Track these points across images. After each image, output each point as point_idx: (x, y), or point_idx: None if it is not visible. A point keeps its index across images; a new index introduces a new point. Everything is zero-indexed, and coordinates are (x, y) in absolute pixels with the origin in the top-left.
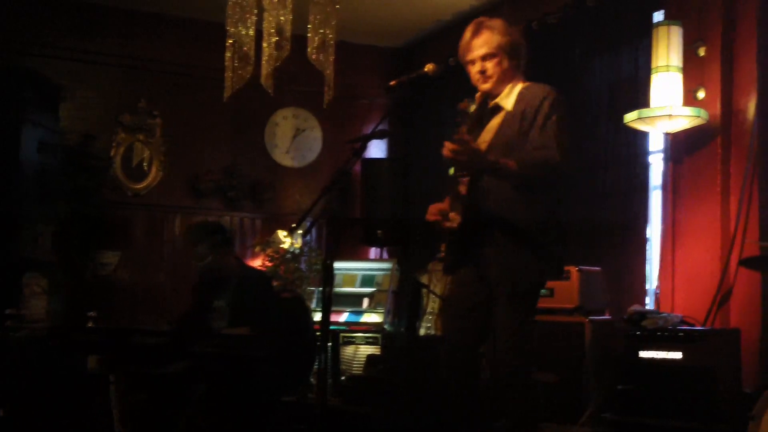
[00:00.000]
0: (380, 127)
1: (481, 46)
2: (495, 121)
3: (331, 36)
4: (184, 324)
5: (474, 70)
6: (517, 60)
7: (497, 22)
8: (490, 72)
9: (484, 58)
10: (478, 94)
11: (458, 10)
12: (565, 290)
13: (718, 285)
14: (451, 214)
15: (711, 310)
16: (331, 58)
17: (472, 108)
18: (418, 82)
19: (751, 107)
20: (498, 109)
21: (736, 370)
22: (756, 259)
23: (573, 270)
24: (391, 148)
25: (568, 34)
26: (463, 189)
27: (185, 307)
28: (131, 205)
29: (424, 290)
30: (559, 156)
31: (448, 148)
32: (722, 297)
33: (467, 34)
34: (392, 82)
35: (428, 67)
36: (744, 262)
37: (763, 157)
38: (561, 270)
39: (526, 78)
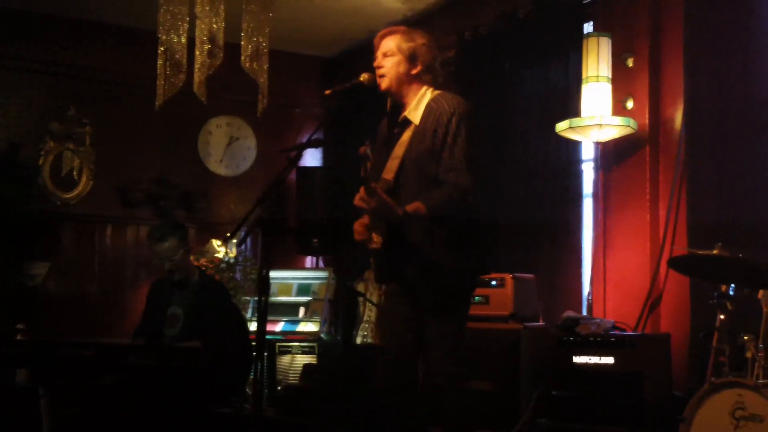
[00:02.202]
0: (315, 136)
1: (384, 44)
2: (406, 135)
3: (264, 44)
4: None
5: (375, 65)
6: (420, 68)
7: (412, 31)
8: (384, 70)
9: (384, 55)
10: (389, 100)
11: (391, 20)
12: (499, 298)
13: (649, 290)
14: (373, 235)
15: (642, 316)
16: (265, 67)
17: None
18: (352, 91)
19: (678, 116)
20: (408, 122)
21: (666, 374)
22: (683, 259)
23: (507, 277)
24: (326, 157)
25: (500, 44)
26: None
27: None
28: (61, 215)
29: (360, 298)
30: (470, 176)
31: (359, 197)
32: (652, 302)
33: (378, 36)
34: (327, 91)
35: (363, 77)
36: (672, 263)
37: (690, 165)
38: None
39: (439, 86)
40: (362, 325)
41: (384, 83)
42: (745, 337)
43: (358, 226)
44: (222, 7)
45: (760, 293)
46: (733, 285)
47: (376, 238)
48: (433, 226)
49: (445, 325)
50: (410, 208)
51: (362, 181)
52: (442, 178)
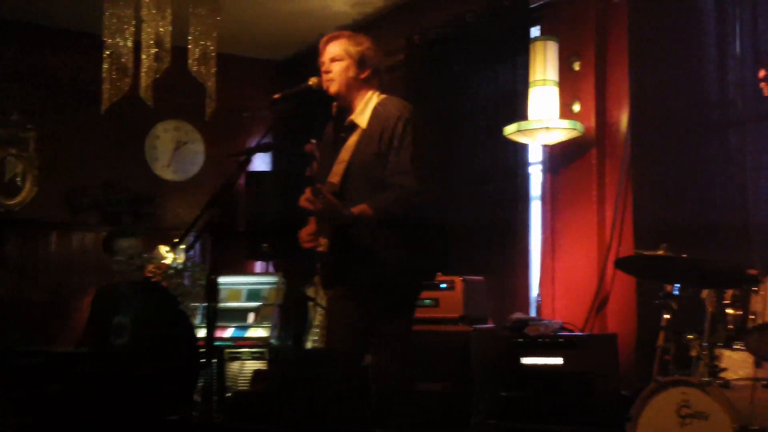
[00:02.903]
0: (264, 140)
1: (332, 49)
2: (352, 139)
3: (212, 48)
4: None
5: (322, 70)
6: (368, 73)
7: (359, 36)
8: (333, 74)
9: (332, 60)
10: (334, 104)
11: (341, 23)
12: (449, 300)
13: (596, 291)
14: (320, 239)
15: (589, 316)
16: (213, 70)
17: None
18: (302, 95)
19: (623, 119)
20: (354, 126)
21: (613, 374)
22: (629, 260)
23: (457, 280)
24: (275, 161)
25: (449, 48)
26: None
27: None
28: (4, 222)
29: (311, 303)
30: (416, 179)
31: (304, 198)
32: (600, 303)
33: (324, 39)
34: (276, 95)
35: (312, 81)
36: (618, 263)
37: (636, 167)
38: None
39: (385, 90)
40: (312, 330)
41: (332, 87)
42: (690, 336)
43: (303, 235)
44: (169, 10)
45: (704, 293)
46: (677, 285)
47: (323, 241)
48: (380, 228)
49: (391, 328)
50: (356, 210)
51: (308, 182)
52: (388, 181)
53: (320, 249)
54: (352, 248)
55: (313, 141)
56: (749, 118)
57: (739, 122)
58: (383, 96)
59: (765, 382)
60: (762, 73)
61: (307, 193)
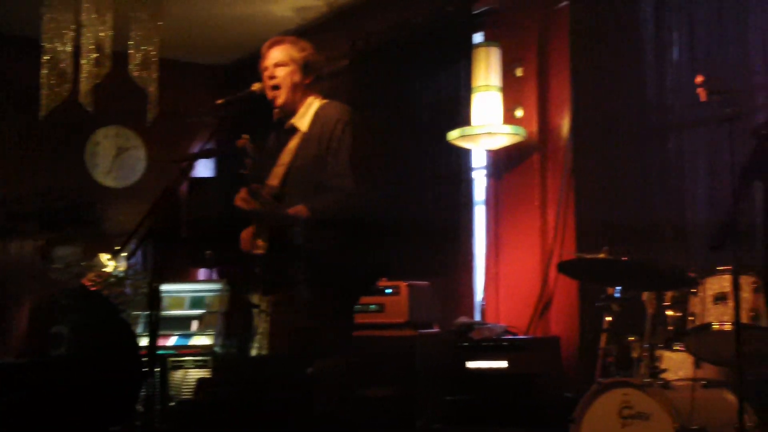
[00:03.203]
0: (207, 146)
1: (276, 55)
2: (293, 143)
3: (153, 53)
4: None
5: (266, 76)
6: (312, 78)
7: (302, 41)
8: (279, 80)
9: (277, 65)
10: (275, 112)
11: (284, 28)
12: (394, 305)
13: (539, 295)
14: (258, 241)
15: (533, 319)
16: (155, 76)
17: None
18: (245, 100)
19: (565, 124)
20: (294, 129)
21: (557, 376)
22: (571, 263)
23: (402, 285)
24: (218, 167)
25: (393, 53)
26: None
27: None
28: None
29: (256, 310)
30: (354, 181)
31: (239, 198)
32: (543, 306)
33: (267, 43)
34: (219, 101)
35: (255, 86)
36: (561, 267)
37: (577, 171)
38: (373, 281)
39: (327, 95)
40: (257, 337)
41: (280, 97)
42: (631, 338)
43: (245, 235)
44: (109, 14)
45: (645, 295)
46: (619, 287)
47: (261, 243)
48: (320, 231)
49: (333, 333)
50: (292, 210)
51: (243, 180)
52: (326, 183)
53: (258, 251)
54: (290, 251)
55: (245, 136)
56: (687, 123)
57: (677, 127)
58: (325, 101)
59: (704, 382)
60: (699, 79)
61: (242, 192)
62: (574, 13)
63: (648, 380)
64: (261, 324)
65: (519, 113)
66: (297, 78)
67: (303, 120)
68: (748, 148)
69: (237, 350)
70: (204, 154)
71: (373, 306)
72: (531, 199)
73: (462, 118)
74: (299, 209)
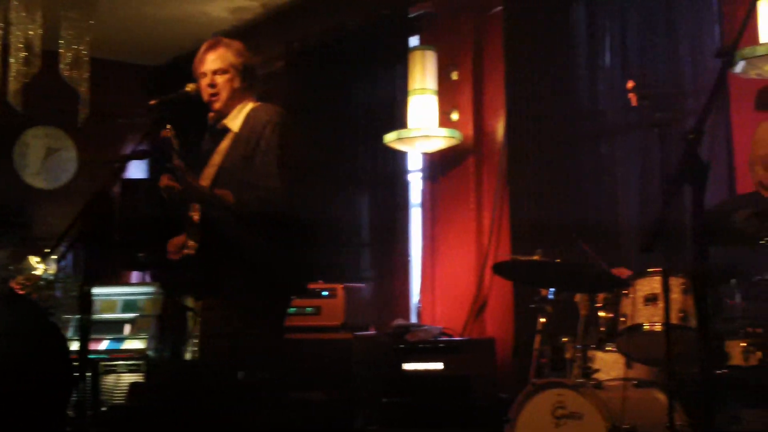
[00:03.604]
0: (140, 148)
1: (214, 60)
2: (224, 144)
3: (85, 52)
4: None
5: (204, 82)
6: (249, 82)
7: (235, 42)
8: (219, 88)
9: (215, 72)
10: (210, 115)
11: (219, 29)
12: (330, 308)
13: (474, 297)
14: (189, 242)
15: (468, 321)
16: (86, 75)
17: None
18: (179, 101)
19: (500, 128)
20: (227, 130)
21: (492, 377)
22: (506, 265)
23: (338, 288)
24: (152, 169)
25: (329, 55)
26: (196, 216)
27: None
28: None
29: (190, 313)
30: (281, 183)
31: (165, 179)
32: (478, 308)
33: (203, 47)
34: (153, 102)
35: (189, 87)
36: (496, 268)
37: (512, 174)
38: (301, 288)
39: (262, 97)
40: (192, 341)
41: (218, 102)
42: (564, 339)
43: (171, 246)
44: (39, 13)
45: (577, 296)
46: (552, 289)
47: (191, 244)
48: (250, 231)
49: (262, 335)
50: (218, 191)
51: (169, 170)
52: (254, 183)
53: (187, 252)
54: (221, 252)
55: (169, 126)
56: (619, 128)
57: (609, 131)
58: (257, 103)
59: (635, 382)
60: (630, 84)
61: (164, 179)
62: (508, 18)
63: (581, 381)
64: (195, 327)
65: (455, 116)
66: (236, 84)
67: (235, 121)
68: (678, 153)
69: (170, 354)
70: (137, 156)
71: (309, 309)
72: (466, 202)
73: (398, 121)
74: (226, 192)
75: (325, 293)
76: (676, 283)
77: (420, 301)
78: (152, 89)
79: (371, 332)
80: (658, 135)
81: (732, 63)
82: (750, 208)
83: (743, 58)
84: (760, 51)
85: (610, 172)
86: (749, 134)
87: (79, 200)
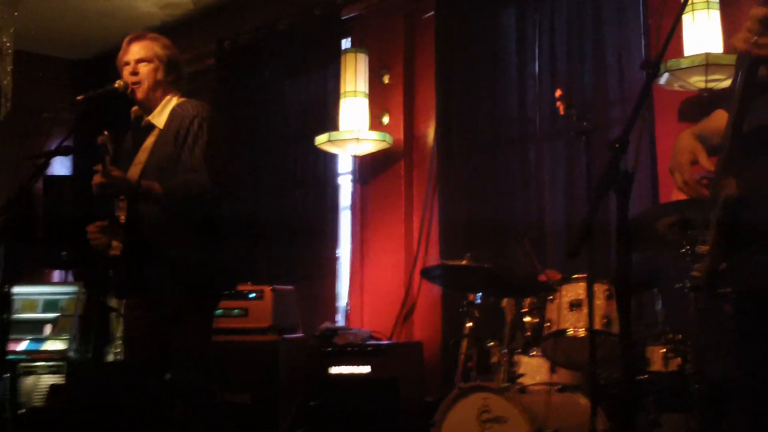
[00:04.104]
0: (65, 143)
1: (139, 50)
2: (149, 141)
3: (8, 44)
4: None
5: (127, 71)
6: (174, 76)
7: (162, 38)
8: (142, 77)
9: (139, 61)
10: (133, 109)
11: (148, 25)
12: (258, 310)
13: (403, 300)
14: (114, 242)
15: (397, 325)
16: (9, 68)
17: (128, 134)
18: (106, 97)
19: (430, 132)
20: (152, 127)
21: (419, 381)
22: (434, 269)
23: (266, 289)
24: (76, 166)
25: (261, 54)
26: (122, 215)
27: None
28: None
29: (114, 314)
30: (209, 178)
31: (95, 179)
32: (407, 312)
33: (128, 38)
34: (79, 97)
35: (118, 83)
36: (424, 273)
37: (442, 178)
38: (229, 288)
39: (189, 93)
40: (115, 342)
41: (141, 91)
42: (491, 343)
43: (92, 227)
44: None
45: (504, 301)
46: (480, 294)
47: (116, 245)
48: (176, 230)
49: (189, 337)
50: (146, 182)
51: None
52: (179, 179)
53: (113, 253)
54: (146, 251)
55: (106, 132)
56: (546, 135)
57: (537, 138)
58: (183, 99)
59: (559, 387)
60: (558, 93)
61: (96, 178)
62: (439, 23)
63: (506, 385)
64: (120, 329)
65: (385, 120)
66: (160, 75)
67: (160, 118)
68: (604, 161)
69: (93, 356)
70: (61, 152)
71: (236, 310)
72: (396, 205)
73: (330, 123)
74: (152, 184)
75: (252, 295)
76: (600, 290)
77: (348, 304)
78: (78, 84)
79: (299, 335)
80: (584, 143)
81: (656, 75)
82: (672, 217)
83: (668, 71)
84: (684, 63)
85: (538, 178)
86: (672, 144)
87: (1, 196)
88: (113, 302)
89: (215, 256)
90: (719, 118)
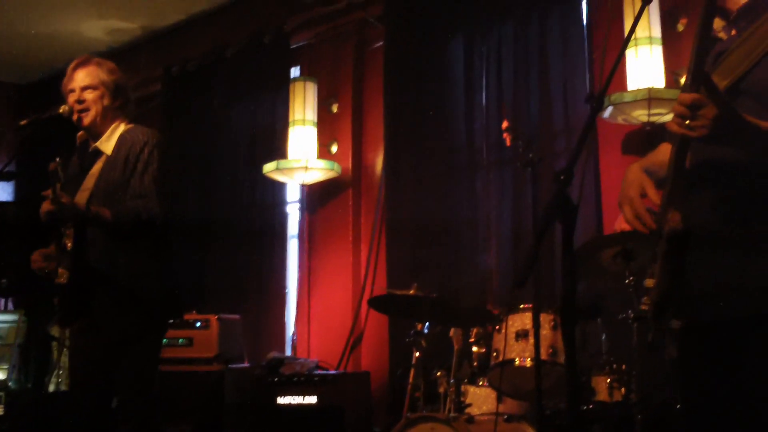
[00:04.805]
0: (7, 169)
1: (84, 77)
2: (96, 167)
3: None
4: None
5: (72, 98)
6: (121, 101)
7: (107, 62)
8: (88, 103)
9: (85, 88)
10: (79, 134)
11: (94, 50)
12: (204, 339)
13: (351, 330)
14: (60, 269)
15: (344, 354)
16: None
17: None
18: (50, 121)
19: (379, 162)
20: (99, 153)
21: (366, 411)
22: (382, 299)
23: (212, 318)
24: (18, 191)
25: (209, 81)
26: (69, 242)
27: None
28: None
29: (55, 343)
30: (158, 205)
31: (43, 207)
32: (354, 341)
33: (73, 64)
34: (23, 121)
35: (63, 108)
36: (372, 302)
37: (389, 207)
38: (176, 315)
39: (136, 119)
40: (56, 372)
41: (87, 119)
42: (438, 373)
43: (36, 255)
44: None
45: (452, 331)
46: (427, 323)
47: (62, 272)
48: (124, 257)
49: (136, 363)
50: (95, 208)
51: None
52: (128, 205)
53: (60, 281)
54: (94, 277)
55: (58, 159)
56: (493, 165)
57: (484, 168)
58: (130, 125)
59: (506, 416)
60: (505, 124)
61: (45, 205)
62: (388, 54)
63: (453, 415)
64: (62, 358)
65: (334, 148)
66: (106, 102)
67: (107, 144)
68: (550, 191)
69: (33, 385)
70: (3, 177)
71: (182, 340)
72: (344, 234)
73: (278, 151)
74: (102, 209)
75: (198, 324)
76: (546, 320)
77: (295, 334)
78: (20, 108)
79: (245, 364)
80: (530, 174)
81: (600, 108)
82: (616, 248)
83: (612, 104)
84: (627, 98)
85: (484, 207)
86: (616, 176)
87: None
88: (54, 330)
89: (162, 283)
90: (665, 152)
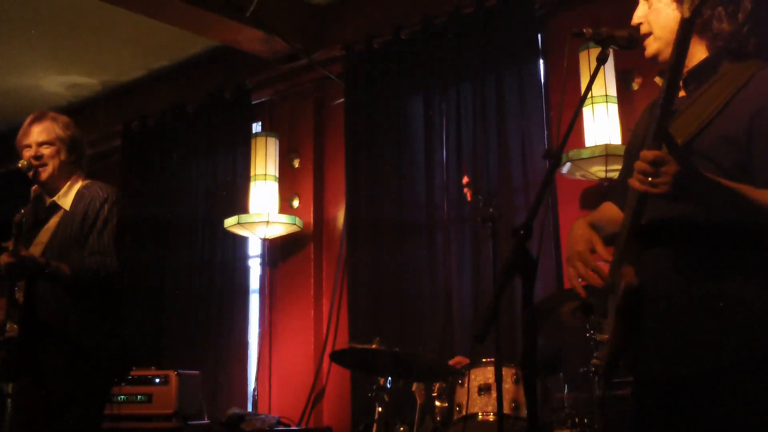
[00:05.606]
0: None
1: (40, 132)
2: (53, 221)
3: None
4: None
5: (28, 153)
6: (76, 156)
7: (62, 117)
8: (45, 159)
9: (41, 144)
10: (33, 188)
11: (53, 105)
12: (162, 395)
13: (312, 385)
14: (8, 324)
15: (306, 410)
16: None
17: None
18: (8, 176)
19: (340, 216)
20: (56, 208)
21: None
22: (343, 353)
23: (171, 374)
24: None
25: (169, 137)
26: (20, 296)
27: None
28: None
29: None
30: (117, 262)
31: (2, 259)
32: (316, 396)
33: (28, 120)
34: None
35: (22, 163)
36: (334, 356)
37: (350, 262)
38: (124, 374)
39: (89, 176)
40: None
41: (45, 173)
42: (401, 429)
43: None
44: None
45: (414, 385)
46: (389, 377)
47: (11, 327)
48: (75, 313)
49: (80, 421)
50: (55, 263)
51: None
52: (87, 262)
53: (9, 335)
54: (43, 332)
55: (23, 211)
56: (453, 221)
57: (444, 223)
58: (88, 181)
59: None
60: (465, 180)
61: (4, 257)
62: (348, 110)
63: None
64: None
65: (295, 203)
66: (63, 156)
67: (65, 199)
68: (509, 246)
69: None
70: None
71: (140, 396)
72: (306, 289)
73: (239, 205)
74: (61, 265)
75: (157, 380)
76: (509, 374)
77: (256, 389)
78: None
79: (205, 421)
80: (490, 229)
81: (559, 164)
82: (575, 302)
83: (570, 160)
84: (585, 154)
85: (444, 263)
86: None
87: None
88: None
89: (113, 341)
90: (608, 209)
